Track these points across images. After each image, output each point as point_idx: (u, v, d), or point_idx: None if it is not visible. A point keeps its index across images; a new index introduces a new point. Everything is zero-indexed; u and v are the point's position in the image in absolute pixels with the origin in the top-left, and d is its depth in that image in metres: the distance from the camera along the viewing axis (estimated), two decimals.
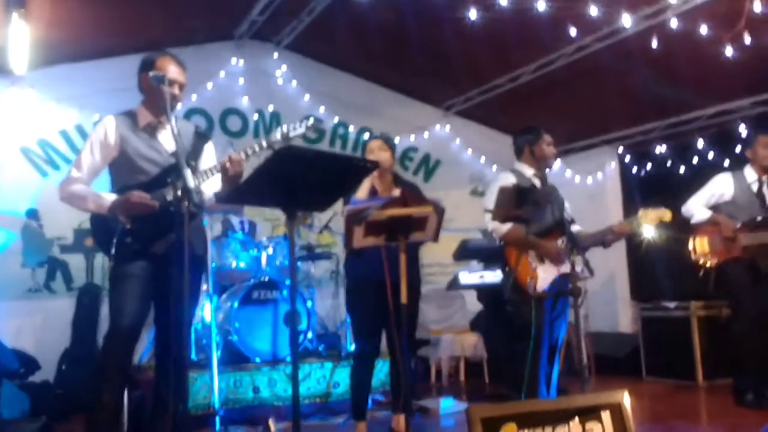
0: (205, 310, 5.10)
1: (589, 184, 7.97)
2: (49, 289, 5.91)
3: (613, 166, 7.83)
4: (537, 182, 3.83)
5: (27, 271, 5.85)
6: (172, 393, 3.00)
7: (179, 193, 2.82)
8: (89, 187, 3.24)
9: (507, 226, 3.68)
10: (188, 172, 2.85)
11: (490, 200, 3.64)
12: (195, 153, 3.36)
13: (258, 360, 4.99)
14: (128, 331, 3.11)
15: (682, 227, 5.01)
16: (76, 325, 5.63)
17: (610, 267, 7.47)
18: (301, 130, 3.22)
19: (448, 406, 4.97)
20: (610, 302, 7.52)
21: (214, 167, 3.17)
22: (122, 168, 3.25)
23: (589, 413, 2.51)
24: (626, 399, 2.59)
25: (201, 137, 3.43)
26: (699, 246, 4.90)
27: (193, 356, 5.03)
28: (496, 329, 5.61)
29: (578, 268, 3.40)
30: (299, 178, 2.63)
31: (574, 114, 7.13)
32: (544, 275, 3.70)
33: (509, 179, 3.80)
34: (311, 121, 3.26)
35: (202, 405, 4.62)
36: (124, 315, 3.10)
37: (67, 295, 5.85)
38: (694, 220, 4.92)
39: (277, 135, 3.19)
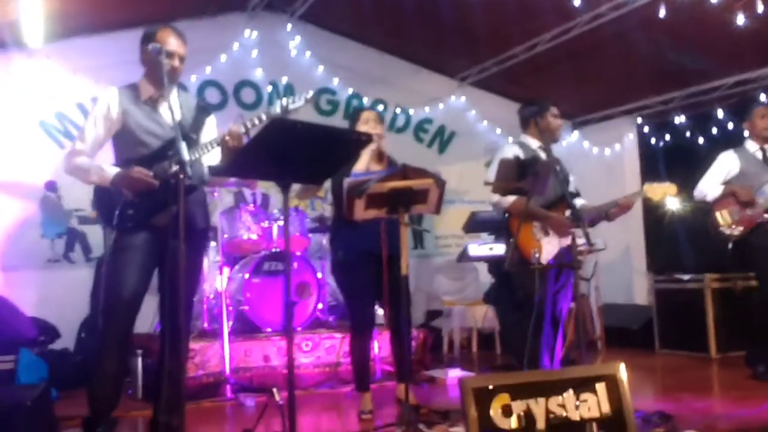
0: (217, 281, 5.19)
1: (606, 156, 7.87)
2: (68, 259, 6.04)
3: (632, 137, 7.72)
4: (542, 154, 3.79)
5: (46, 242, 5.98)
6: (165, 360, 3.09)
7: (175, 165, 2.84)
8: (93, 159, 3.27)
9: (511, 198, 3.66)
10: (184, 145, 2.87)
11: (492, 173, 3.62)
12: (196, 126, 3.36)
13: (269, 330, 5.06)
14: (128, 301, 3.15)
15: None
16: (94, 295, 5.73)
17: (626, 238, 7.41)
18: (300, 103, 3.19)
19: (455, 376, 5.01)
20: (625, 274, 7.47)
21: (215, 140, 3.18)
22: (125, 141, 3.27)
23: (584, 385, 2.51)
24: (622, 371, 2.58)
25: (203, 110, 3.43)
26: (722, 219, 4.86)
27: (206, 325, 5.13)
28: (506, 301, 5.60)
29: (580, 241, 3.37)
30: (291, 151, 2.63)
31: (592, 84, 7.03)
32: (549, 247, 3.69)
33: (512, 151, 3.76)
34: (310, 94, 3.23)
35: (213, 373, 4.71)
36: (125, 285, 3.14)
37: (86, 266, 5.97)
38: (709, 198, 4.89)
39: (277, 108, 3.17)
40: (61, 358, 5.27)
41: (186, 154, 2.78)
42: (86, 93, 6.06)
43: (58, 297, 5.65)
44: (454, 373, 5.04)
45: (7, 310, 5.15)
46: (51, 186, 5.96)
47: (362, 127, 3.84)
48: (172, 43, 3.24)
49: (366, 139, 2.76)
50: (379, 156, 3.97)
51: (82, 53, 5.99)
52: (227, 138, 3.09)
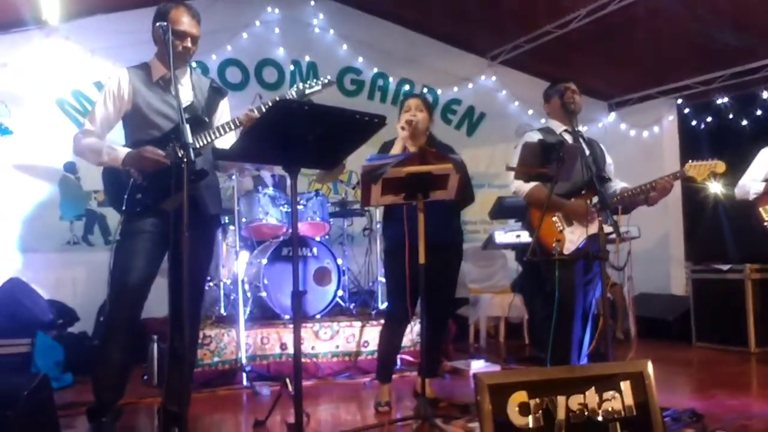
0: (235, 266, 5.07)
1: (644, 138, 7.56)
2: (87, 242, 5.98)
3: (671, 118, 7.40)
4: (568, 138, 3.56)
5: (65, 224, 5.94)
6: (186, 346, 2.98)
7: (179, 149, 2.72)
8: (103, 140, 3.16)
9: (530, 186, 3.45)
10: (188, 128, 2.75)
11: (514, 159, 3.41)
12: (209, 108, 3.25)
13: (287, 317, 4.93)
14: (136, 287, 3.07)
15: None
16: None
17: (664, 225, 7.11)
18: (317, 87, 3.09)
19: (479, 367, 4.83)
20: (662, 263, 7.18)
21: (227, 124, 3.06)
22: (135, 122, 3.17)
23: (607, 382, 2.37)
24: (649, 368, 2.42)
25: (217, 92, 3.31)
26: (766, 214, 4.65)
27: (223, 311, 5.02)
28: (534, 290, 5.40)
29: (608, 229, 3.15)
30: (298, 134, 2.46)
31: (630, 63, 6.73)
32: (572, 237, 3.47)
33: (536, 136, 3.55)
34: (328, 78, 3.11)
35: (230, 360, 4.61)
36: (132, 271, 3.05)
37: (104, 248, 5.89)
38: (752, 195, 4.77)
39: (293, 92, 3.06)
40: (78, 341, 5.23)
41: (190, 138, 2.65)
42: (104, 72, 5.92)
43: (77, 280, 5.62)
44: (478, 365, 4.87)
45: (24, 293, 5.12)
46: (70, 167, 5.90)
47: (404, 116, 3.72)
48: (185, 22, 3.10)
49: (378, 122, 2.57)
50: (430, 141, 3.82)
51: (100, 32, 5.89)
52: (242, 122, 2.96)
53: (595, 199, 3.43)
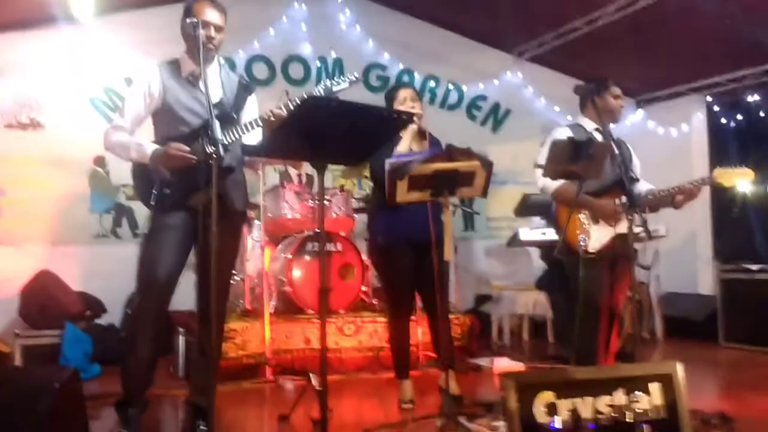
0: (260, 261, 5.11)
1: (673, 136, 7.44)
2: (115, 234, 6.07)
3: (701, 116, 7.27)
4: (598, 137, 3.52)
5: (94, 217, 6.02)
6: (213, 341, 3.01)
7: (208, 146, 2.75)
8: (132, 135, 3.20)
9: (557, 183, 3.42)
10: (217, 124, 2.78)
11: (543, 155, 3.38)
12: (237, 105, 3.26)
13: (311, 312, 4.96)
14: (164, 282, 3.09)
15: None
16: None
17: (691, 224, 7.00)
18: (344, 85, 3.08)
19: (502, 365, 4.81)
20: (689, 262, 7.07)
21: (255, 120, 3.08)
22: (164, 118, 3.19)
23: (636, 384, 2.36)
24: (679, 370, 2.41)
25: (245, 88, 3.32)
26: None
27: (247, 305, 5.06)
28: (559, 288, 5.36)
29: (636, 229, 3.11)
30: (326, 130, 2.46)
31: (659, 60, 6.62)
32: (598, 236, 3.44)
33: (566, 133, 3.51)
34: (355, 75, 3.11)
35: (254, 355, 4.65)
36: (161, 266, 3.08)
37: (132, 241, 5.96)
38: None
39: (320, 89, 3.06)
40: (106, 333, 5.32)
41: (220, 134, 2.66)
42: (134, 68, 5.99)
43: (105, 272, 5.66)
44: (501, 363, 4.85)
45: (54, 284, 5.22)
46: (100, 161, 5.98)
47: (399, 107, 3.67)
48: (207, 13, 3.12)
49: (406, 118, 2.57)
50: (421, 134, 3.78)
51: (131, 28, 5.94)
52: (268, 118, 2.98)
53: (623, 199, 3.39)
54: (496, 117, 7.47)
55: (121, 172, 5.88)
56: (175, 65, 3.22)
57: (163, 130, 3.20)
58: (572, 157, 3.12)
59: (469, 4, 6.43)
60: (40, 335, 4.88)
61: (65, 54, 5.84)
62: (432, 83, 7.17)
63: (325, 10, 6.77)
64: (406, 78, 7.05)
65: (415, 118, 3.52)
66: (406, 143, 3.59)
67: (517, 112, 7.45)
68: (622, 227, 3.33)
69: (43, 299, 5.07)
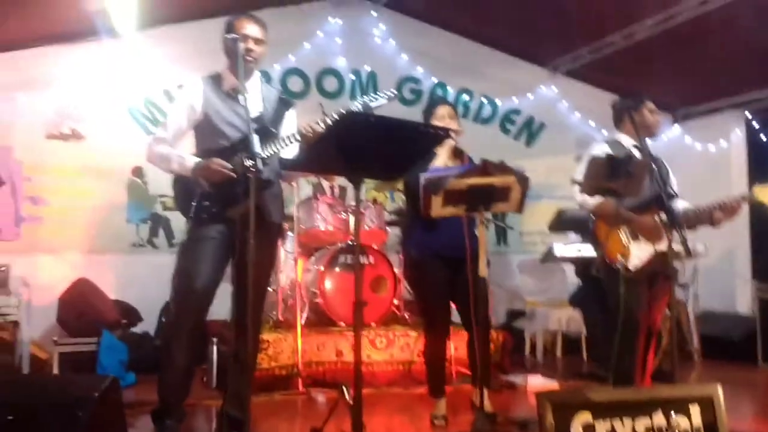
0: (293, 272, 5.14)
1: (711, 153, 7.32)
2: (152, 244, 6.15)
3: (739, 132, 7.15)
4: (636, 153, 3.48)
5: (132, 226, 6.12)
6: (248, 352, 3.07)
7: (247, 160, 2.79)
8: (174, 148, 3.26)
9: (596, 199, 3.38)
10: (256, 138, 2.83)
11: (580, 171, 3.35)
12: (277, 119, 3.30)
13: (342, 324, 4.96)
14: (201, 293, 3.14)
15: None
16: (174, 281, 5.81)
17: (729, 242, 6.85)
18: (382, 101, 3.10)
19: (536, 383, 4.75)
20: (727, 280, 6.93)
21: (293, 135, 3.11)
22: (205, 131, 3.25)
23: (676, 406, 2.31)
24: (719, 393, 2.35)
25: (284, 103, 3.37)
26: None
27: (280, 316, 5.09)
28: (595, 306, 5.29)
29: (677, 247, 3.06)
30: (364, 145, 2.48)
31: (697, 74, 6.54)
32: (638, 252, 3.39)
33: (603, 149, 3.48)
34: (393, 92, 3.14)
35: (286, 366, 4.66)
36: (198, 276, 3.12)
37: (168, 251, 6.05)
38: None
39: (357, 105, 3.09)
40: (141, 341, 5.38)
41: (258, 148, 2.70)
42: (173, 80, 6.12)
43: (141, 281, 5.75)
44: (535, 381, 4.79)
45: (92, 292, 5.31)
46: (138, 171, 6.08)
47: (436, 123, 3.65)
48: (247, 27, 3.20)
49: (444, 135, 2.58)
50: (456, 152, 3.77)
51: (170, 41, 6.05)
52: (306, 133, 3.01)
53: (663, 216, 3.34)
54: (530, 131, 7.43)
55: (159, 183, 5.99)
56: (217, 79, 3.28)
57: (203, 143, 3.26)
58: (610, 174, 3.10)
59: (505, 19, 6.43)
60: (78, 343, 4.95)
61: (106, 66, 5.96)
62: (465, 97, 7.17)
63: (360, 24, 6.82)
64: (439, 92, 7.06)
65: (453, 134, 3.51)
66: (442, 159, 3.58)
67: (552, 127, 7.41)
68: (662, 245, 3.28)
69: (81, 307, 5.15)
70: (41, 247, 5.73)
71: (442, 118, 3.70)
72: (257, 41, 3.19)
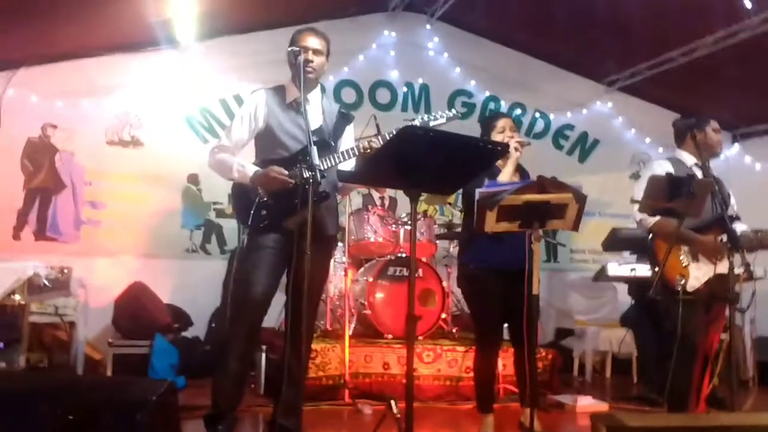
0: (342, 283, 5.16)
1: None
2: (204, 250, 6.26)
3: None
4: (698, 172, 3.39)
5: (186, 232, 6.24)
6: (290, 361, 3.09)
7: (306, 171, 2.83)
8: (236, 155, 3.32)
9: (656, 218, 3.31)
10: (315, 150, 2.87)
11: (640, 189, 3.28)
12: (336, 133, 3.35)
13: (390, 336, 4.96)
14: (259, 300, 3.18)
15: None
16: (225, 287, 5.90)
17: None
18: (441, 120, 3.14)
19: (585, 404, 4.65)
20: None
21: (351, 150, 3.15)
22: (266, 141, 3.31)
23: None
24: None
25: (344, 117, 3.41)
26: None
27: (328, 326, 5.11)
28: (648, 327, 5.17)
29: (738, 270, 2.97)
30: (422, 160, 2.48)
31: (757, 92, 6.36)
32: (697, 274, 3.30)
33: (663, 167, 3.40)
34: (453, 112, 3.17)
35: (333, 376, 4.67)
36: (256, 284, 3.17)
37: (220, 258, 6.17)
38: None
39: (417, 122, 3.11)
40: (192, 346, 5.46)
41: (317, 160, 2.73)
42: (229, 90, 6.28)
43: (193, 286, 5.87)
44: (585, 402, 4.68)
45: (146, 296, 5.42)
46: (193, 179, 6.21)
47: (497, 136, 3.60)
48: (308, 40, 3.27)
49: (501, 150, 2.56)
50: (516, 167, 3.73)
51: (228, 52, 6.20)
52: (363, 150, 3.05)
53: (725, 238, 3.25)
54: (584, 147, 7.33)
55: (213, 190, 6.12)
56: (281, 91, 3.34)
57: (263, 152, 3.32)
58: (671, 194, 3.03)
59: (562, 33, 6.37)
60: (132, 345, 5.06)
61: (166, 75, 6.12)
62: (518, 111, 7.12)
63: (414, 37, 6.86)
64: (492, 105, 7.03)
65: (517, 146, 3.50)
66: (508, 173, 3.54)
67: (606, 143, 7.30)
68: (723, 267, 3.18)
69: (135, 310, 5.26)
70: (99, 250, 5.89)
71: (502, 130, 3.65)
72: (316, 52, 3.24)
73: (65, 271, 4.27)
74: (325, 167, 3.08)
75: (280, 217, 3.14)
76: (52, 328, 5.07)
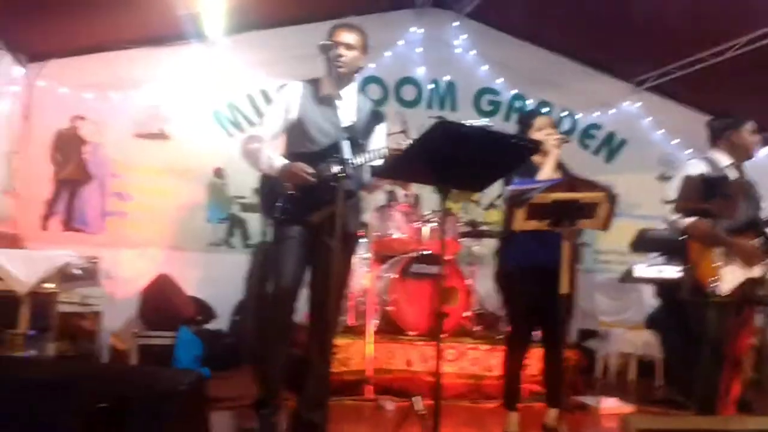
0: (365, 279, 5.15)
1: None
2: (228, 244, 6.31)
3: None
4: (733, 174, 3.34)
5: (210, 226, 6.29)
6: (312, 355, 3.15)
7: (334, 166, 2.83)
8: (267, 147, 3.31)
9: (690, 219, 3.26)
10: (348, 144, 2.87)
11: (673, 190, 3.24)
12: (367, 131, 3.34)
13: (412, 333, 4.95)
14: (288, 290, 3.21)
15: None
16: (248, 281, 5.91)
17: None
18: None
19: (609, 406, 4.61)
20: None
21: (380, 151, 3.14)
22: (296, 134, 3.30)
23: None
24: None
25: (376, 116, 3.39)
26: None
27: (350, 322, 5.11)
28: (674, 329, 5.09)
29: None
30: (453, 156, 2.47)
31: None
32: (731, 276, 3.24)
33: (698, 168, 3.35)
34: (487, 123, 3.10)
35: (356, 371, 4.67)
36: (285, 275, 3.21)
37: (243, 251, 6.19)
38: None
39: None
40: (215, 338, 5.49)
41: (348, 153, 2.73)
42: (256, 85, 6.30)
43: (216, 279, 5.90)
44: (609, 404, 4.63)
45: (171, 288, 5.46)
46: (219, 173, 6.25)
47: (535, 134, 3.59)
48: (341, 35, 3.25)
49: (534, 147, 2.54)
50: (558, 164, 3.70)
51: (255, 47, 6.22)
52: (392, 152, 3.05)
53: (759, 241, 3.20)
54: (611, 147, 7.26)
55: (238, 184, 6.15)
56: (315, 85, 3.32)
57: (292, 145, 3.32)
58: (706, 194, 2.98)
59: (592, 32, 6.30)
60: (157, 336, 5.10)
61: (194, 69, 6.16)
62: (544, 110, 7.05)
63: (441, 34, 6.83)
64: (518, 104, 6.99)
65: (556, 143, 3.47)
66: (548, 170, 3.51)
67: (633, 143, 7.22)
68: (757, 270, 3.13)
69: (160, 301, 5.30)
70: (125, 241, 5.96)
71: (540, 128, 3.63)
72: (348, 47, 3.23)
73: (94, 260, 4.32)
74: (352, 165, 3.07)
75: (305, 212, 3.16)
76: (78, 318, 5.12)
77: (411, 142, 2.92)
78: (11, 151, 5.70)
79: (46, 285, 3.53)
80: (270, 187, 3.27)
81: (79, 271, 3.91)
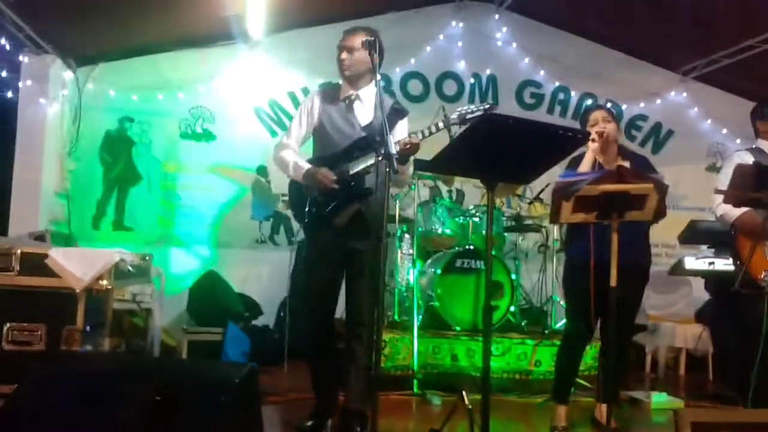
0: (410, 274, 5.17)
1: None
2: (273, 241, 6.38)
3: None
4: None
5: (255, 224, 6.37)
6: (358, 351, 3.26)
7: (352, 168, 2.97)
8: (296, 153, 3.39)
9: (740, 211, 3.18)
10: (391, 138, 2.90)
11: (723, 180, 3.16)
12: (388, 128, 3.35)
13: (458, 328, 4.94)
14: (320, 297, 3.31)
15: None
16: (292, 277, 6.00)
17: None
18: (478, 113, 3.09)
19: (660, 401, 4.53)
20: None
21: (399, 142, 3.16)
22: (320, 138, 3.38)
23: None
24: None
25: (397, 113, 3.38)
26: None
27: (396, 317, 5.13)
28: (726, 323, 4.97)
29: None
30: (500, 148, 2.46)
31: None
32: None
33: (744, 159, 3.27)
34: (487, 104, 3.15)
35: (402, 366, 4.69)
36: (316, 283, 3.31)
37: (288, 248, 6.22)
38: None
39: (454, 116, 3.12)
40: (262, 334, 5.58)
41: (392, 148, 2.75)
42: (297, 83, 6.36)
43: (262, 276, 6.00)
44: (660, 398, 4.56)
45: (219, 285, 5.56)
46: (262, 170, 6.34)
47: (591, 129, 3.55)
48: (342, 39, 3.33)
49: (581, 138, 2.51)
50: (621, 152, 3.66)
51: (297, 45, 6.27)
52: (406, 147, 3.07)
53: None
54: (657, 137, 7.12)
55: (281, 182, 6.20)
56: (335, 88, 3.42)
57: (317, 149, 3.40)
58: (757, 184, 2.90)
59: (636, 21, 6.20)
60: (206, 332, 5.20)
61: (237, 69, 6.25)
62: (589, 101, 6.96)
63: (482, 28, 6.79)
64: (561, 96, 6.91)
65: (595, 137, 3.43)
66: (587, 163, 3.48)
67: (681, 133, 7.07)
68: None
69: (209, 298, 5.41)
70: (173, 239, 6.08)
71: (595, 122, 3.59)
72: (349, 50, 3.28)
73: (146, 258, 4.42)
74: (364, 165, 3.14)
75: (328, 215, 3.21)
76: (129, 315, 5.25)
77: (455, 135, 2.92)
78: (63, 153, 5.89)
79: (101, 282, 3.63)
80: (297, 191, 3.35)
81: (132, 269, 4.01)
